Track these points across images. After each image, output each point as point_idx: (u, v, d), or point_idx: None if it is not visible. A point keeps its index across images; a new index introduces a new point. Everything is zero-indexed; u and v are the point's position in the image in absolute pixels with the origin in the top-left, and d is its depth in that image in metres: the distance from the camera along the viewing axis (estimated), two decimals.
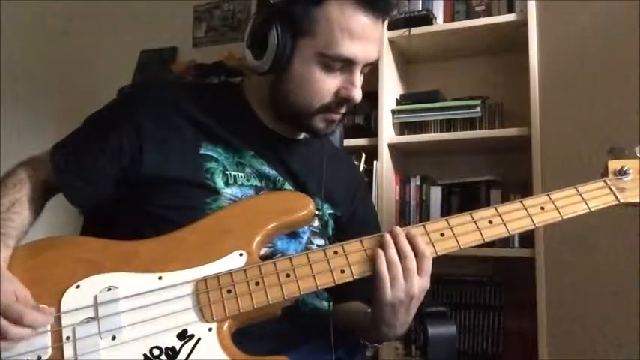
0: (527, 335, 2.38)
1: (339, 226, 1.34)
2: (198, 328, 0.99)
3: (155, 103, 1.19)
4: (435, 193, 2.70)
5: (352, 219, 1.37)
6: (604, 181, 1.22)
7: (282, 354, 1.03)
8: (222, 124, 1.21)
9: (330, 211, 1.32)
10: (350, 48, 1.13)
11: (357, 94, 1.17)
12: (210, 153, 1.18)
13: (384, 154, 2.67)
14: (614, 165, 1.23)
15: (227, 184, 1.17)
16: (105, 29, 3.73)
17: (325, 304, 1.26)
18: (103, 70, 3.53)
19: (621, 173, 1.22)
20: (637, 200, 1.21)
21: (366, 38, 1.15)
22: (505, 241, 2.40)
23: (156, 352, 0.97)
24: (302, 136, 1.32)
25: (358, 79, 1.17)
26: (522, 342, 2.45)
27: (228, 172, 1.18)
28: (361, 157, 2.68)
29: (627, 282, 2.32)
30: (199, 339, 0.99)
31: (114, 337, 0.98)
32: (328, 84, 1.16)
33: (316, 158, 1.31)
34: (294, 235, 1.20)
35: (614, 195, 1.20)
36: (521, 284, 2.42)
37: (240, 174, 1.19)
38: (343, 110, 1.21)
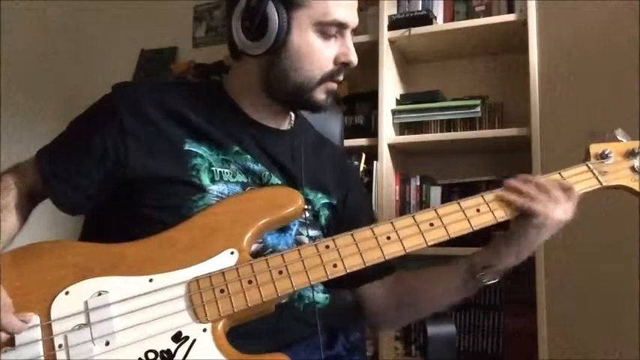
0: (527, 335, 2.38)
1: (337, 214, 1.35)
2: (192, 330, 0.98)
3: (137, 102, 1.18)
4: (435, 193, 2.70)
5: (344, 204, 1.38)
6: (586, 164, 1.22)
7: (278, 351, 1.02)
8: (206, 121, 1.20)
9: (325, 200, 1.32)
10: (342, 13, 1.18)
11: (355, 58, 1.21)
12: (194, 149, 1.17)
13: (384, 154, 2.67)
14: (595, 148, 1.24)
15: (213, 180, 1.16)
16: (105, 29, 3.73)
17: (322, 296, 1.25)
18: (103, 70, 3.53)
19: (603, 156, 1.23)
20: (619, 183, 1.22)
21: (352, 5, 1.22)
22: None
23: (151, 355, 0.96)
24: (287, 126, 1.33)
25: (351, 43, 1.22)
26: (522, 342, 2.44)
27: (214, 169, 1.17)
28: (361, 157, 2.68)
29: (627, 282, 2.31)
30: (194, 340, 0.98)
31: (107, 343, 0.97)
32: (327, 52, 1.19)
33: (302, 147, 1.30)
34: (283, 229, 1.20)
35: (597, 178, 1.20)
36: (521, 284, 2.41)
37: (226, 170, 1.18)
38: (340, 78, 1.24)
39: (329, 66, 1.20)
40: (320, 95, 1.22)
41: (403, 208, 2.72)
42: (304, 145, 1.31)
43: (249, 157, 1.22)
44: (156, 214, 1.12)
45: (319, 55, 1.19)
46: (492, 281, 1.22)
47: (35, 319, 0.98)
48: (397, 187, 2.75)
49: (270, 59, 1.19)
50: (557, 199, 1.15)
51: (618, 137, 1.25)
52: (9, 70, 3.42)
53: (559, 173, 1.20)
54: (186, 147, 1.17)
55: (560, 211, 1.14)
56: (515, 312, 2.50)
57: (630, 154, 1.23)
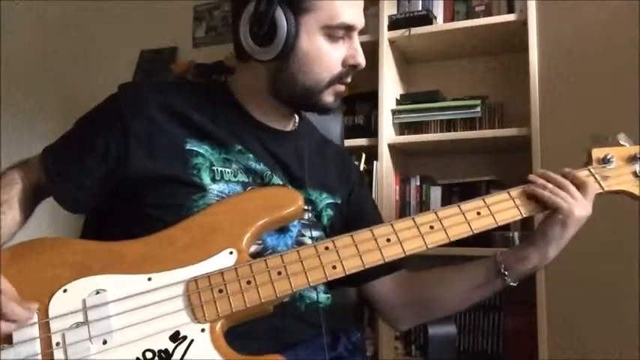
0: (527, 335, 2.38)
1: (342, 214, 1.35)
2: (190, 330, 0.98)
3: (141, 102, 1.19)
4: (435, 193, 2.70)
5: (348, 202, 1.38)
6: (588, 169, 1.22)
7: (278, 352, 1.02)
8: (209, 120, 1.21)
9: (329, 200, 1.32)
10: (350, 15, 1.19)
11: (363, 60, 1.22)
12: (196, 149, 1.17)
13: (384, 154, 2.67)
14: (597, 153, 1.24)
15: (214, 180, 1.16)
16: (105, 29, 3.73)
17: (323, 296, 1.25)
18: (104, 70, 3.53)
19: (605, 161, 1.22)
20: (620, 188, 1.22)
21: (358, 5, 1.23)
22: (506, 241, 2.40)
23: (149, 355, 0.96)
24: (291, 127, 1.33)
25: (359, 45, 1.23)
26: (522, 342, 2.44)
27: (215, 168, 1.17)
28: (361, 157, 2.68)
29: (627, 282, 2.31)
30: (192, 340, 0.98)
31: (105, 342, 0.96)
32: (335, 55, 1.20)
33: (306, 148, 1.31)
34: (283, 230, 1.20)
35: (599, 183, 1.20)
36: (521, 284, 2.41)
37: (227, 170, 1.18)
38: (348, 80, 1.24)
39: (337, 68, 1.21)
40: (328, 98, 1.23)
41: (403, 208, 2.72)
42: (309, 145, 1.32)
43: (251, 156, 1.22)
44: (156, 213, 1.12)
45: (328, 58, 1.19)
46: (514, 283, 1.23)
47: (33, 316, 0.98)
48: (397, 187, 2.75)
49: (278, 63, 1.19)
50: (574, 195, 1.16)
51: (621, 142, 1.24)
52: (9, 70, 3.43)
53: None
54: (188, 146, 1.17)
55: (580, 207, 1.16)
56: (515, 312, 2.50)
57: (633, 159, 1.23)
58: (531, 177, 1.20)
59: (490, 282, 1.25)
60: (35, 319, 0.97)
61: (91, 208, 1.23)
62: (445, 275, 1.34)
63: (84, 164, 1.16)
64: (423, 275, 1.36)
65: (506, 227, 2.37)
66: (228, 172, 1.18)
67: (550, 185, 1.17)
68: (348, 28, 1.20)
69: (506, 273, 1.22)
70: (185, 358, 0.97)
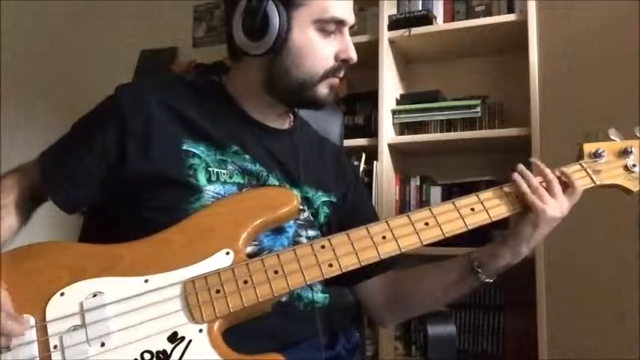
0: (527, 335, 2.38)
1: (337, 212, 1.35)
2: (188, 330, 0.98)
3: (139, 101, 1.19)
4: (435, 193, 2.71)
5: (345, 200, 1.38)
6: (580, 163, 1.23)
7: (276, 352, 1.02)
8: (205, 120, 1.21)
9: (325, 199, 1.33)
10: (341, 9, 1.21)
11: (355, 54, 1.23)
12: (192, 149, 1.17)
13: (384, 154, 2.68)
14: (589, 147, 1.25)
15: (210, 181, 1.16)
16: (105, 29, 3.73)
17: (321, 296, 1.25)
18: (103, 70, 3.53)
19: (596, 155, 1.23)
20: (612, 182, 1.22)
21: (348, 2, 1.24)
22: None
23: (147, 356, 0.96)
24: (287, 125, 1.34)
25: (350, 40, 1.24)
26: (522, 342, 2.45)
27: (211, 169, 1.17)
28: (361, 157, 2.68)
29: (627, 282, 2.31)
30: (190, 341, 0.98)
31: (103, 344, 0.97)
32: (328, 48, 1.21)
33: (302, 146, 1.32)
34: (279, 230, 1.19)
35: (590, 177, 1.21)
36: (521, 284, 2.41)
37: (222, 171, 1.18)
38: (341, 74, 1.25)
39: (330, 62, 1.21)
40: (323, 90, 1.23)
41: (403, 208, 2.72)
42: (305, 143, 1.33)
43: (247, 157, 1.22)
44: (152, 215, 1.12)
45: (320, 52, 1.20)
46: (489, 280, 1.23)
47: (31, 320, 0.98)
48: (397, 187, 2.75)
49: (271, 58, 1.20)
50: (554, 194, 1.16)
51: (611, 137, 1.26)
52: (9, 71, 3.42)
53: (552, 173, 1.20)
54: (184, 147, 1.17)
55: (555, 208, 1.15)
56: (515, 312, 2.51)
57: (623, 153, 1.24)
58: (520, 168, 1.21)
59: (465, 279, 1.26)
60: (33, 322, 0.98)
61: (89, 211, 1.23)
62: (423, 273, 1.34)
63: (80, 162, 1.16)
64: (403, 273, 1.37)
65: (505, 226, 2.36)
66: (224, 174, 1.18)
67: (535, 182, 1.17)
68: (339, 23, 1.21)
69: (479, 270, 1.22)
70: (183, 358, 0.97)
